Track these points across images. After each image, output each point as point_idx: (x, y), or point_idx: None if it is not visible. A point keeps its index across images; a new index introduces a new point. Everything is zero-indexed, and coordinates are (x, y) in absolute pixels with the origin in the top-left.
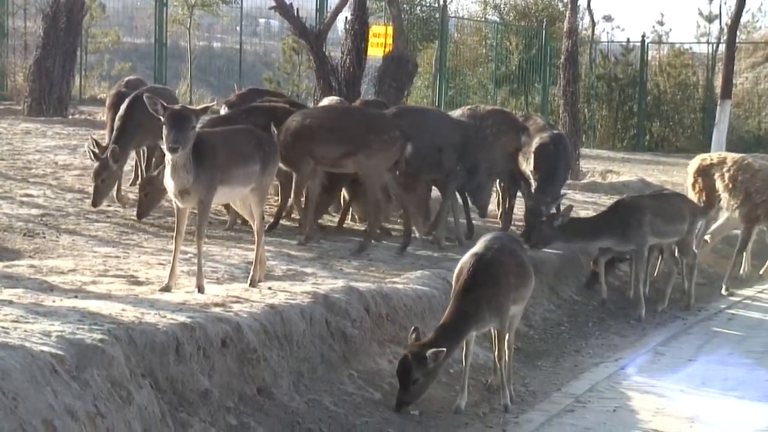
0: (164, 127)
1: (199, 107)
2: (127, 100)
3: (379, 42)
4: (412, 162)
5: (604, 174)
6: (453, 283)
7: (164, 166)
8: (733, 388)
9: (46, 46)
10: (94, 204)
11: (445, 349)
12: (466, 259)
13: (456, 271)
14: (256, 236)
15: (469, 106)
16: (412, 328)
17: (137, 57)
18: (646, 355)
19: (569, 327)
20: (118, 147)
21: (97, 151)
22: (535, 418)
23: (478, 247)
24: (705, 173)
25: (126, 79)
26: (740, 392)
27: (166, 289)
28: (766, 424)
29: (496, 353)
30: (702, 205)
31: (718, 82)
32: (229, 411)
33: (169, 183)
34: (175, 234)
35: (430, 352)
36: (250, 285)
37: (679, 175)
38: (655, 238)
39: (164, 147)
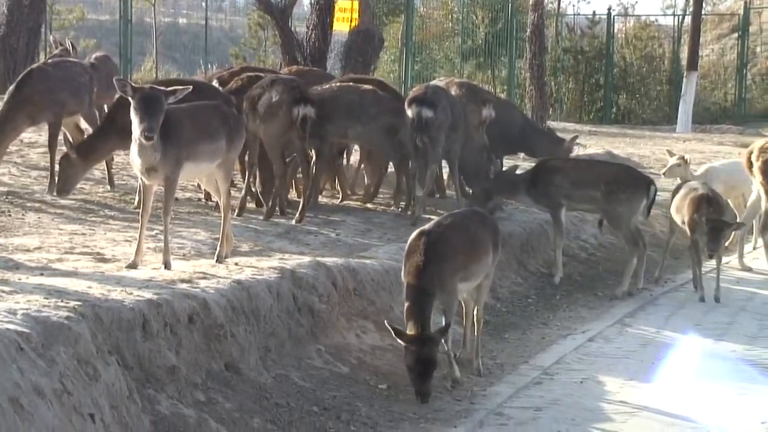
0: (136, 112)
1: (168, 89)
2: (21, 76)
3: (345, 17)
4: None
5: None
6: (403, 260)
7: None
8: (699, 359)
9: (10, 23)
10: None
11: (450, 322)
12: (414, 237)
13: (406, 247)
14: (222, 212)
15: (443, 78)
16: (390, 328)
17: (102, 34)
18: (614, 327)
19: (536, 300)
20: None
21: None
22: (502, 390)
23: (429, 224)
24: None
25: (94, 55)
26: (707, 363)
27: (133, 265)
28: (731, 394)
29: (443, 327)
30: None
31: (684, 54)
32: (197, 387)
33: (135, 160)
34: (141, 211)
35: (436, 333)
36: (216, 261)
37: (645, 147)
38: (570, 203)
39: (137, 133)
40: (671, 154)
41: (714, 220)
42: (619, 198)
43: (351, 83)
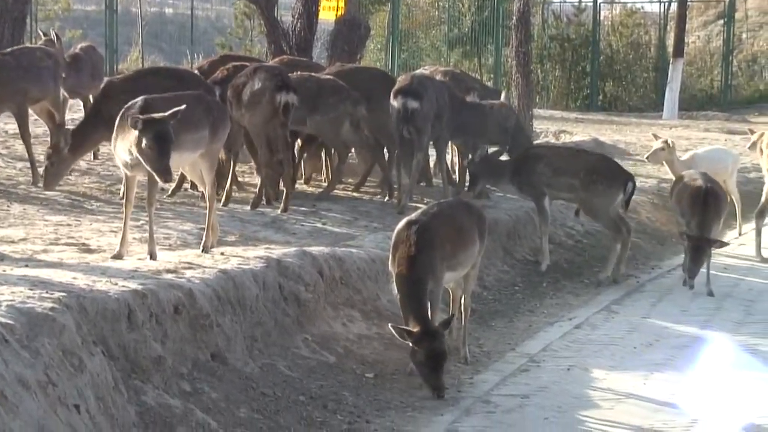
0: (149, 149)
1: (168, 113)
2: None
3: (331, 5)
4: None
5: (557, 134)
6: (391, 250)
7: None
8: (686, 345)
9: None
10: None
11: (453, 314)
12: (401, 226)
13: (393, 237)
14: (207, 202)
15: (428, 66)
16: (395, 329)
17: (88, 24)
18: (600, 314)
19: (523, 287)
20: None
21: None
22: (489, 378)
23: (416, 213)
24: None
25: (79, 45)
26: (693, 349)
27: (118, 256)
28: (719, 379)
29: (447, 319)
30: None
31: (671, 41)
32: (183, 377)
33: (121, 154)
34: (125, 201)
35: (441, 325)
36: (202, 251)
37: (632, 134)
38: (551, 192)
39: (153, 174)
40: (656, 137)
41: (696, 239)
42: (596, 189)
43: (311, 74)
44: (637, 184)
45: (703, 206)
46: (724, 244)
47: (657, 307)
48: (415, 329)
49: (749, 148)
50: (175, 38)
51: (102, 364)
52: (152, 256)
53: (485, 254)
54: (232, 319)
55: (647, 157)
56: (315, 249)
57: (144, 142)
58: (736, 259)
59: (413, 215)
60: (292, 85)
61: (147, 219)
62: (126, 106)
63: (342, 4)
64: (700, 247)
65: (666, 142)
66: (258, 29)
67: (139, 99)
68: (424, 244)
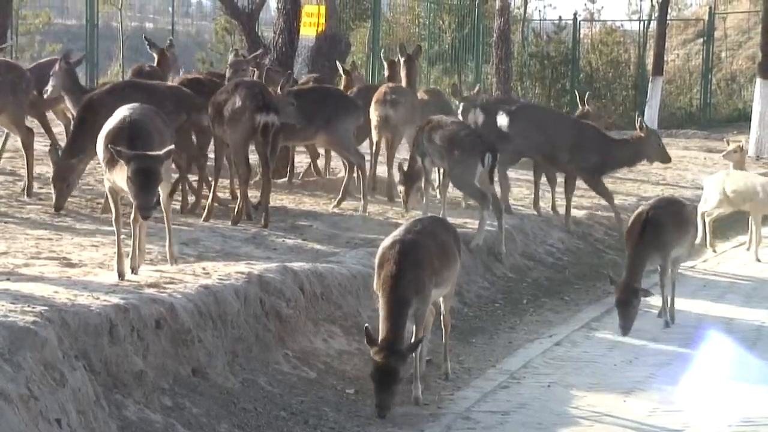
0: (131, 183)
1: (163, 152)
2: None
3: (312, 21)
4: None
5: None
6: (376, 269)
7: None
8: (665, 363)
9: None
10: None
11: (423, 336)
12: (387, 244)
13: (378, 257)
14: (164, 213)
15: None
16: (365, 329)
17: (69, 38)
18: (580, 332)
19: (503, 304)
20: None
21: None
22: (470, 395)
23: (398, 231)
24: None
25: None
26: (672, 367)
27: (120, 274)
28: (697, 397)
29: (414, 334)
30: None
31: (650, 59)
32: (164, 392)
33: (118, 179)
34: (114, 218)
35: (407, 347)
36: (171, 264)
37: None
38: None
39: (135, 209)
40: (728, 142)
41: (620, 290)
42: (454, 157)
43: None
44: (616, 202)
45: (637, 239)
46: (649, 294)
47: (636, 324)
48: (380, 342)
49: (724, 156)
50: None
51: (83, 378)
52: (134, 270)
53: (466, 270)
54: (214, 335)
55: (723, 156)
56: (296, 265)
57: (127, 173)
58: (716, 276)
59: (397, 233)
60: (273, 105)
61: (129, 234)
62: (114, 125)
63: (323, 20)
64: (624, 302)
65: (739, 145)
66: (238, 45)
67: (125, 112)
68: (412, 263)
